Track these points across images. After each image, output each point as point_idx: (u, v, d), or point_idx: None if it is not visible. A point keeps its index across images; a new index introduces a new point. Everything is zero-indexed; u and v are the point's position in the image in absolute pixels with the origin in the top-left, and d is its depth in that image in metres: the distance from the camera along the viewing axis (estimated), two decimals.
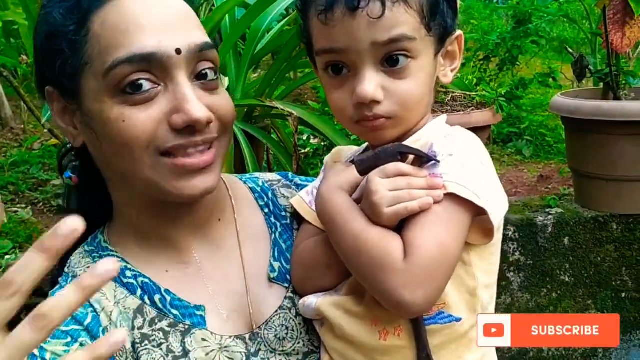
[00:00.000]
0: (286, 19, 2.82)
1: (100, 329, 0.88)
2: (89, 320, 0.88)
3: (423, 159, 0.85)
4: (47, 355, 0.83)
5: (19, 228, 4.47)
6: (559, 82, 4.44)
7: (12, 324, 0.57)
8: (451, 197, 0.80)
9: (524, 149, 4.68)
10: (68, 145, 1.01)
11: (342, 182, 0.89)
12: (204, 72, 0.88)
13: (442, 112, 2.55)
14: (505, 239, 2.73)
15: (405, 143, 0.89)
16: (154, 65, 0.83)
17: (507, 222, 2.72)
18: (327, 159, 1.06)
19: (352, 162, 0.89)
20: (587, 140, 2.68)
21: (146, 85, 0.83)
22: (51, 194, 5.26)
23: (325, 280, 0.94)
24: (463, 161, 0.83)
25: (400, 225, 0.82)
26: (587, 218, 2.74)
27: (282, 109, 2.27)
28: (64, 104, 0.90)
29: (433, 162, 0.84)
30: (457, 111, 2.52)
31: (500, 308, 2.67)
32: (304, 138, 4.23)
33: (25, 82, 6.74)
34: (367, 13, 0.82)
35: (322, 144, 4.54)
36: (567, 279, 2.78)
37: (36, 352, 0.83)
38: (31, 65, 6.36)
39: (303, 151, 4.44)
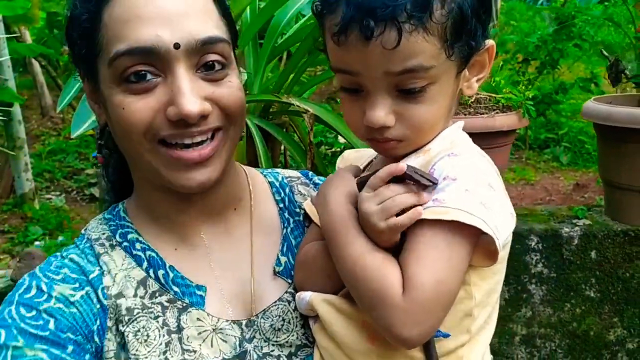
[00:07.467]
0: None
1: (101, 286, 0.94)
2: (94, 274, 0.95)
3: (421, 182, 0.82)
4: (54, 293, 0.92)
5: (51, 215, 4.60)
6: (602, 87, 4.31)
7: None
8: (455, 225, 0.78)
9: (561, 156, 4.56)
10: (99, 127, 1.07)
11: (346, 191, 0.88)
12: (210, 63, 0.89)
13: (465, 115, 2.46)
14: (528, 250, 2.63)
15: (410, 156, 0.88)
16: (154, 57, 0.86)
17: (530, 231, 2.63)
18: (339, 163, 1.06)
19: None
20: (620, 149, 2.56)
21: (148, 75, 0.87)
22: (85, 183, 5.39)
23: (324, 287, 0.93)
24: (468, 186, 0.80)
25: (400, 246, 0.81)
26: (617, 231, 2.61)
27: (297, 106, 2.23)
28: (92, 84, 0.96)
29: (432, 185, 0.81)
30: (481, 114, 2.41)
31: (520, 321, 2.58)
32: (332, 136, 4.20)
33: (65, 72, 6.93)
34: (381, 42, 0.78)
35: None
36: (592, 295, 2.66)
37: (44, 287, 0.92)
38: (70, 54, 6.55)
39: (330, 150, 4.41)
